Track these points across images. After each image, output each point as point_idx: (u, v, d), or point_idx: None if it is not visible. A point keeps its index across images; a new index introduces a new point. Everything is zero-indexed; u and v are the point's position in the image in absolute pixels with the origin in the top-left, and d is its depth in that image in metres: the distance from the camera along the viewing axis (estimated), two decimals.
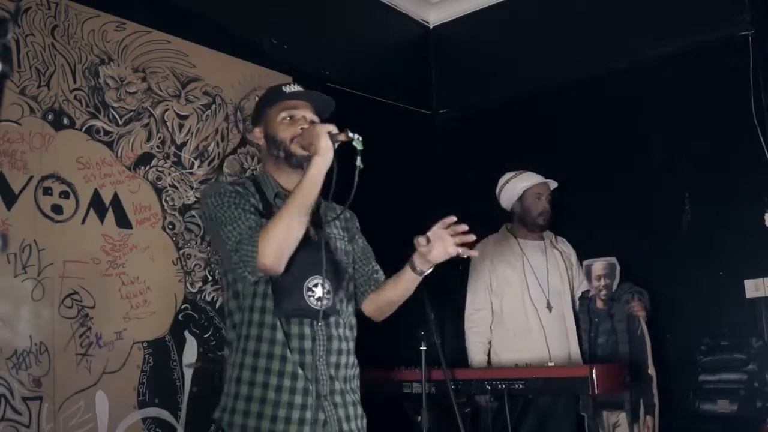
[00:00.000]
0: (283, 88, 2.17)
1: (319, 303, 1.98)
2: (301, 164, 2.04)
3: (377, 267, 2.31)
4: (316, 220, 2.07)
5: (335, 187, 1.95)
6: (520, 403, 3.34)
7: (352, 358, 2.14)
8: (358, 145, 1.90)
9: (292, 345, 1.99)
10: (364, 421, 2.13)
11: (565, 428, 3.54)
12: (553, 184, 3.85)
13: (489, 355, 3.77)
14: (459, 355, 3.87)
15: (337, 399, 2.04)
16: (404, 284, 2.17)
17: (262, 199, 2.08)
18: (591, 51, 4.27)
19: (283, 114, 2.12)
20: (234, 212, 1.98)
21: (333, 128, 1.94)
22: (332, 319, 2.07)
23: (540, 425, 3.51)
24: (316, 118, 2.15)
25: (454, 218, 2.06)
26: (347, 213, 2.27)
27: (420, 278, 2.14)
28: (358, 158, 1.88)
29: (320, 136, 1.91)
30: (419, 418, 3.09)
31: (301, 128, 2.08)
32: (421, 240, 2.06)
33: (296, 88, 2.19)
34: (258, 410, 1.97)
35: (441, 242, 2.05)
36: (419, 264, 2.10)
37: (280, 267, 1.93)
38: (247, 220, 1.96)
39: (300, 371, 1.98)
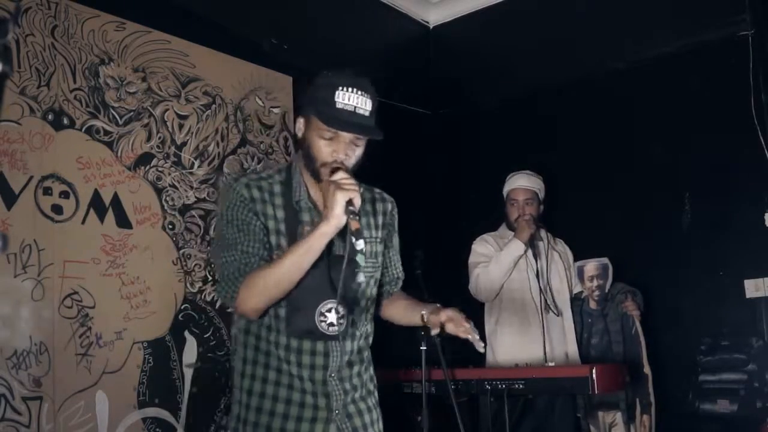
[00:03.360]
0: (336, 95, 1.87)
1: (330, 329, 1.94)
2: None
3: (401, 273, 2.25)
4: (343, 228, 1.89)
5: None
6: (520, 403, 3.34)
7: (366, 365, 2.10)
8: (357, 242, 1.77)
9: (303, 361, 1.96)
10: (380, 423, 2.10)
11: (563, 428, 3.54)
12: (534, 186, 3.75)
13: (486, 354, 3.77)
14: (459, 355, 3.87)
15: (351, 409, 2.01)
16: (411, 322, 2.17)
17: (286, 198, 1.98)
18: (591, 51, 4.27)
19: (325, 127, 1.89)
20: (236, 236, 1.92)
21: (356, 197, 1.80)
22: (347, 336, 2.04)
23: (539, 426, 3.51)
24: (359, 146, 1.94)
25: (468, 326, 2.03)
26: (388, 204, 2.18)
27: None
28: (356, 240, 1.78)
29: (337, 204, 1.79)
30: (419, 418, 3.09)
31: (332, 169, 1.88)
32: (433, 319, 2.05)
33: (350, 97, 1.88)
34: (267, 423, 1.95)
35: (453, 324, 2.05)
36: (431, 325, 2.09)
37: (257, 314, 1.92)
38: (243, 252, 1.90)
39: (310, 386, 1.96)
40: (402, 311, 2.17)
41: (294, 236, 1.94)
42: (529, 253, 3.80)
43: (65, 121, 2.96)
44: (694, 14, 3.92)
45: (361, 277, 1.93)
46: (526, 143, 4.47)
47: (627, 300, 3.62)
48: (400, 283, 2.25)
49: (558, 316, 3.73)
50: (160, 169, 3.28)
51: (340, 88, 1.87)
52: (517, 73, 4.58)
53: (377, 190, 2.19)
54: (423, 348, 3.09)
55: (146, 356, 3.10)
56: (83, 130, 3.02)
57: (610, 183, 4.15)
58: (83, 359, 2.87)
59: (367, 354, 2.11)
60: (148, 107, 3.27)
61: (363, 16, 4.46)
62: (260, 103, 3.77)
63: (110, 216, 3.06)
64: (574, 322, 3.78)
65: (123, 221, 3.10)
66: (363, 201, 1.97)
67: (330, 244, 1.88)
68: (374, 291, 2.11)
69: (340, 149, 1.91)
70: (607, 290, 3.69)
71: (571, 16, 4.31)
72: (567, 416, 3.54)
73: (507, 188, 3.82)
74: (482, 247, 3.78)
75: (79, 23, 3.05)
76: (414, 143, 4.66)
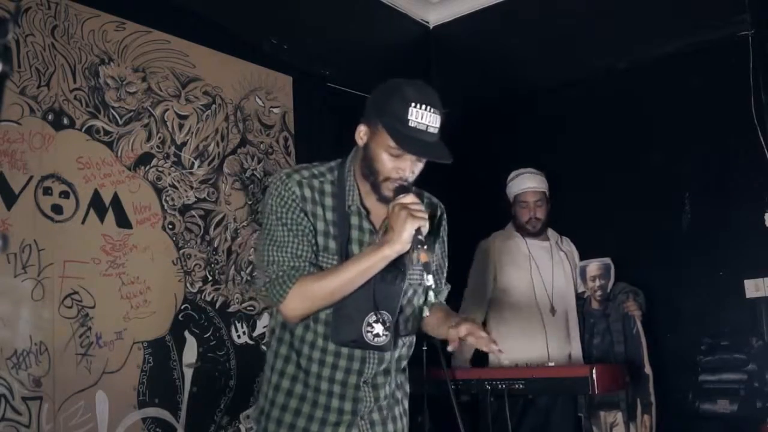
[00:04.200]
0: (410, 112, 1.80)
1: (376, 339, 1.89)
2: (383, 199, 1.89)
3: (444, 284, 2.19)
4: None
5: None
6: (520, 403, 3.34)
7: (401, 374, 2.08)
8: (427, 276, 1.74)
9: (339, 365, 1.93)
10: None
11: (565, 428, 3.54)
12: (542, 187, 3.78)
13: (488, 354, 3.77)
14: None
15: (376, 416, 1.99)
16: (441, 335, 2.06)
17: (338, 201, 1.93)
18: (591, 51, 4.27)
19: (394, 146, 1.83)
20: (286, 236, 1.87)
21: (424, 225, 1.77)
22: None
23: (540, 426, 3.51)
24: (422, 162, 1.91)
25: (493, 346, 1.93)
26: (437, 210, 2.14)
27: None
28: (426, 276, 1.74)
29: (405, 230, 1.74)
30: (419, 418, 3.10)
31: (398, 187, 1.86)
32: (452, 334, 1.92)
33: (424, 115, 1.83)
34: (291, 421, 1.94)
35: (473, 338, 1.91)
36: (450, 339, 1.97)
37: (300, 319, 1.90)
38: (293, 255, 1.86)
39: (339, 389, 1.94)
40: (435, 322, 2.08)
41: (343, 240, 1.90)
42: (534, 253, 3.80)
43: (65, 121, 2.96)
44: (694, 14, 3.92)
45: (407, 296, 1.93)
46: (527, 143, 4.47)
47: (628, 300, 3.62)
48: (444, 295, 2.20)
49: (561, 316, 3.73)
50: (160, 169, 3.28)
51: (414, 104, 1.81)
52: (517, 72, 4.57)
53: (427, 194, 2.14)
54: (423, 348, 3.10)
55: (146, 356, 3.10)
56: (83, 130, 3.02)
57: (610, 183, 4.15)
58: (83, 359, 2.87)
59: (405, 363, 2.09)
60: (148, 107, 3.27)
61: (363, 16, 4.45)
62: (260, 103, 3.77)
63: (110, 216, 3.06)
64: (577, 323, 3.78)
65: (123, 221, 3.10)
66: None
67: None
68: (422, 299, 2.06)
69: (406, 167, 1.86)
70: (609, 290, 3.69)
71: (571, 16, 4.30)
72: (568, 416, 3.54)
73: (515, 189, 3.80)
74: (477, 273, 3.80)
75: (79, 23, 3.05)
76: None
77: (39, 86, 2.88)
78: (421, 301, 2.06)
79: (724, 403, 3.70)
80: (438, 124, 1.85)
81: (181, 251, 3.31)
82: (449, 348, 1.88)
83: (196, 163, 3.43)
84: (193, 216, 3.38)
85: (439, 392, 3.15)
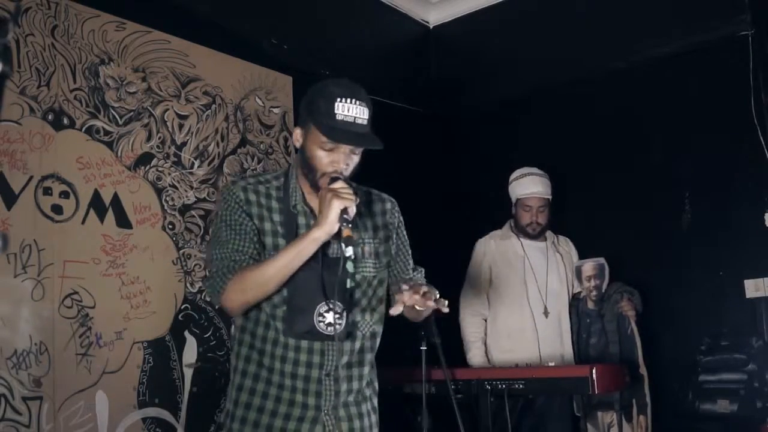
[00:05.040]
0: (336, 107, 1.88)
1: (329, 328, 1.95)
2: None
3: (412, 271, 2.22)
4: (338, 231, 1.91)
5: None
6: (520, 404, 3.34)
7: (366, 369, 2.10)
8: (346, 248, 1.80)
9: (299, 359, 1.98)
10: (375, 431, 2.11)
11: (562, 429, 3.54)
12: (546, 193, 3.79)
13: (485, 347, 3.78)
14: (459, 355, 3.87)
15: (341, 413, 2.02)
16: (411, 316, 2.09)
17: (283, 203, 2.02)
18: (591, 51, 4.27)
19: (325, 140, 1.91)
20: (228, 235, 1.97)
21: (351, 206, 1.84)
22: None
23: (537, 426, 3.51)
24: (356, 155, 1.97)
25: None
26: (387, 204, 2.19)
27: (421, 315, 2.05)
28: (345, 248, 1.81)
29: (331, 211, 1.83)
30: (419, 418, 3.10)
31: (331, 179, 1.92)
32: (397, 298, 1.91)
33: (350, 108, 1.89)
34: (255, 419, 1.98)
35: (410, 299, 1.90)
36: (395, 304, 1.95)
37: (241, 311, 1.98)
38: (234, 250, 1.95)
39: (302, 384, 1.97)
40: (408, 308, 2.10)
41: (292, 238, 1.96)
42: (529, 254, 3.80)
43: (65, 121, 2.96)
44: (693, 14, 3.92)
45: (352, 280, 1.97)
46: (526, 143, 4.47)
47: (623, 300, 3.62)
48: (420, 277, 2.22)
49: (554, 319, 3.73)
50: (160, 169, 3.28)
51: (339, 99, 1.89)
52: (517, 72, 4.58)
53: (375, 192, 2.21)
54: (423, 348, 3.10)
55: (146, 356, 3.10)
56: (83, 130, 3.02)
57: (610, 183, 4.15)
58: (83, 359, 2.87)
59: (369, 357, 2.11)
60: (148, 107, 3.27)
61: (363, 16, 4.45)
62: (260, 103, 3.77)
63: (110, 216, 3.06)
64: (573, 323, 3.78)
65: (123, 221, 3.10)
66: (361, 203, 1.97)
67: (325, 247, 1.93)
68: (381, 291, 2.12)
69: (340, 160, 1.94)
70: (603, 290, 3.69)
71: (571, 16, 4.31)
72: (566, 416, 3.54)
73: (519, 192, 3.79)
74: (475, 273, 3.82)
75: (79, 23, 3.05)
76: (414, 143, 4.66)
77: (39, 86, 2.88)
78: (382, 292, 2.10)
79: (724, 403, 3.70)
80: (366, 116, 1.93)
81: (181, 251, 3.31)
82: (391, 311, 1.91)
83: (196, 163, 3.43)
84: (193, 216, 3.38)
85: (439, 392, 3.15)
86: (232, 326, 2.12)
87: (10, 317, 2.69)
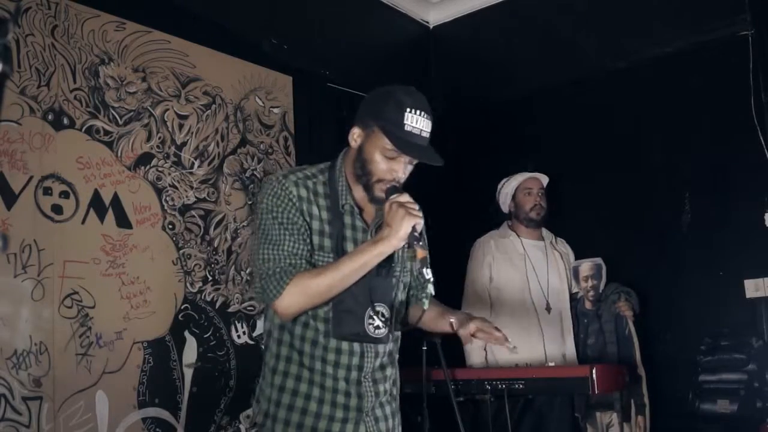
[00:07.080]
0: (406, 117, 1.89)
1: (377, 331, 1.96)
2: (374, 199, 1.97)
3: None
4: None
5: None
6: (520, 404, 3.34)
7: (394, 370, 2.14)
8: (426, 271, 1.84)
9: (341, 361, 1.98)
10: (400, 428, 2.16)
11: (562, 429, 3.54)
12: (544, 179, 3.85)
13: (486, 351, 3.77)
14: (459, 355, 3.87)
15: (378, 413, 2.05)
16: (440, 329, 2.20)
17: (331, 201, 1.99)
18: (591, 51, 4.27)
19: (391, 147, 1.90)
20: (282, 234, 1.91)
21: (420, 223, 1.84)
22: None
23: (537, 426, 3.51)
24: (412, 165, 1.99)
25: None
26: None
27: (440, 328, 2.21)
28: (421, 268, 1.85)
29: (402, 227, 1.81)
30: (419, 418, 3.09)
31: (390, 188, 1.93)
32: (463, 333, 2.11)
33: (418, 120, 1.90)
34: (299, 421, 1.96)
35: (484, 335, 2.14)
36: (463, 338, 2.15)
37: (294, 317, 1.94)
38: (290, 253, 1.89)
39: (343, 386, 1.98)
40: (433, 316, 2.17)
41: (338, 238, 1.95)
42: (530, 252, 3.80)
43: (65, 121, 2.96)
44: (694, 14, 3.92)
45: (401, 289, 2.03)
46: (526, 143, 4.47)
47: (620, 300, 3.62)
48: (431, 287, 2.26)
49: (556, 317, 3.73)
50: (160, 169, 3.28)
51: (409, 109, 1.89)
52: (517, 72, 4.58)
53: None
54: (423, 348, 3.10)
55: (146, 356, 3.10)
56: (83, 130, 3.02)
57: (610, 183, 4.15)
58: (83, 359, 2.87)
59: (396, 357, 2.15)
60: (148, 107, 3.27)
61: (363, 16, 4.45)
62: (260, 103, 3.77)
63: (110, 216, 3.06)
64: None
65: (123, 221, 3.10)
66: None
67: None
68: (404, 295, 2.16)
69: (399, 169, 1.94)
70: (601, 290, 3.70)
71: (571, 16, 4.31)
72: (565, 417, 3.54)
73: (516, 181, 3.83)
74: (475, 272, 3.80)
75: (79, 23, 3.05)
76: None
77: (39, 86, 2.88)
78: (404, 296, 2.14)
79: (724, 403, 3.70)
80: (429, 129, 1.94)
81: (181, 251, 3.31)
82: (466, 346, 1.99)
83: (196, 163, 3.43)
84: (193, 216, 3.38)
85: (439, 392, 3.15)
86: (266, 322, 2.07)
87: (10, 317, 2.69)
